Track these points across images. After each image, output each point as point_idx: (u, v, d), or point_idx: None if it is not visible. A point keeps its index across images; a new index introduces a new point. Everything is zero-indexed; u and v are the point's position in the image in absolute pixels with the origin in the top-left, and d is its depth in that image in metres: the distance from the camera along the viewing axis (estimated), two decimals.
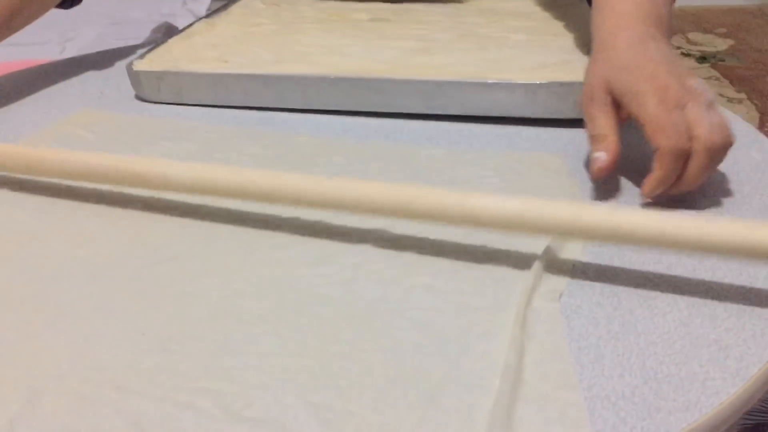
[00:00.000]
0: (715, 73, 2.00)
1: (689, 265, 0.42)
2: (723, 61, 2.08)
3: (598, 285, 0.40)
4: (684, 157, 0.43)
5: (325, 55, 0.69)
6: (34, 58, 1.35)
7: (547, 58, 0.65)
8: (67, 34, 1.64)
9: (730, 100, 1.83)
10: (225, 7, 0.85)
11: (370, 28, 0.78)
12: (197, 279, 0.41)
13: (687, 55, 2.14)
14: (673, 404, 0.32)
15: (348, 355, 0.35)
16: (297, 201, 0.43)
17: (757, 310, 0.38)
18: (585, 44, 0.68)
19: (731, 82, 1.93)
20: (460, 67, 0.65)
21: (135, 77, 0.66)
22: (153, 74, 0.65)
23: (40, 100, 0.69)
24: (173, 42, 0.72)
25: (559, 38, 0.72)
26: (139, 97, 0.68)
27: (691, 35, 2.33)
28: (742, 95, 1.83)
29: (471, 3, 0.87)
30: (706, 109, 0.44)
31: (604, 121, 0.47)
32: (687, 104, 0.44)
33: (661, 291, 0.40)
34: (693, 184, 0.45)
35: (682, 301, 0.39)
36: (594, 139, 0.48)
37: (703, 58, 2.10)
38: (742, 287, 0.40)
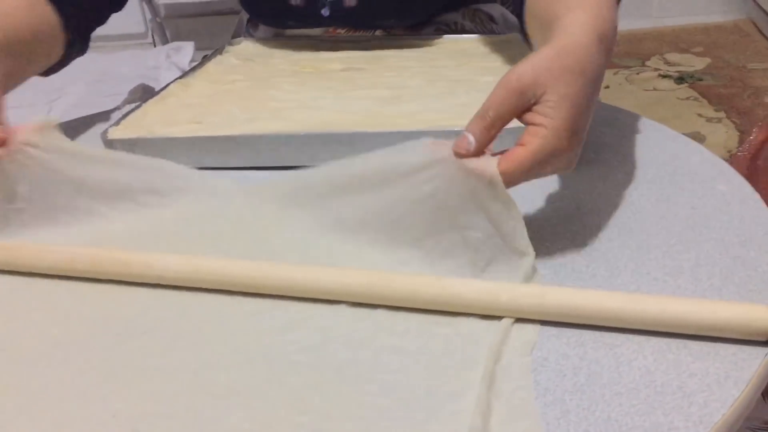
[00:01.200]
0: (693, 93, 2.03)
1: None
2: (701, 80, 2.11)
3: (564, 334, 0.41)
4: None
5: (297, 110, 0.70)
6: (20, 123, 1.36)
7: None
8: (52, 95, 1.66)
9: (709, 119, 1.85)
10: (201, 65, 0.87)
11: (343, 78, 0.79)
12: (168, 353, 0.41)
13: (665, 76, 2.17)
14: None
15: (316, 425, 0.35)
16: (282, 292, 0.45)
17: (722, 352, 0.38)
18: None
19: (710, 101, 1.95)
20: (430, 115, 0.66)
21: (110, 145, 0.67)
22: (127, 141, 0.66)
23: None
24: (148, 106, 0.73)
25: None
26: None
27: (669, 56, 2.36)
28: (721, 114, 1.86)
29: (442, 45, 0.89)
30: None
31: (508, 112, 0.45)
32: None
33: (627, 337, 0.40)
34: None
35: (648, 347, 0.39)
36: (483, 117, 0.44)
37: (681, 79, 2.13)
38: None
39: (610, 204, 0.54)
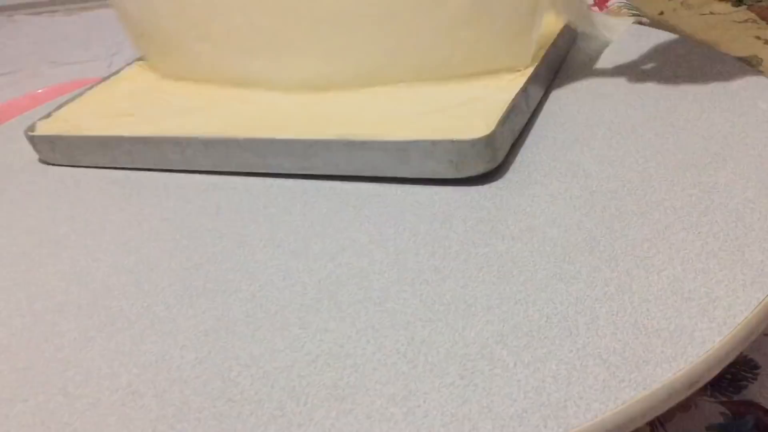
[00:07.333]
0: (751, 15, 1.93)
1: (688, 222, 0.43)
2: (760, 1, 2.01)
3: (597, 250, 0.43)
4: None
5: (237, 103, 0.64)
6: (83, 78, 1.42)
7: (460, 94, 0.58)
8: (113, 49, 1.71)
9: (767, 42, 1.77)
10: None
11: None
12: None
13: None
14: (660, 356, 0.34)
15: None
16: None
17: (749, 260, 0.40)
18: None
19: None
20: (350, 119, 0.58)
21: (32, 141, 0.66)
22: (47, 138, 0.65)
23: None
24: (93, 93, 0.72)
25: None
26: (42, 160, 0.67)
27: None
28: None
29: None
30: None
31: None
32: None
33: (659, 250, 0.42)
34: None
35: (678, 258, 0.41)
36: None
37: (739, 1, 2.03)
38: (737, 240, 0.41)
39: (646, 124, 0.54)
